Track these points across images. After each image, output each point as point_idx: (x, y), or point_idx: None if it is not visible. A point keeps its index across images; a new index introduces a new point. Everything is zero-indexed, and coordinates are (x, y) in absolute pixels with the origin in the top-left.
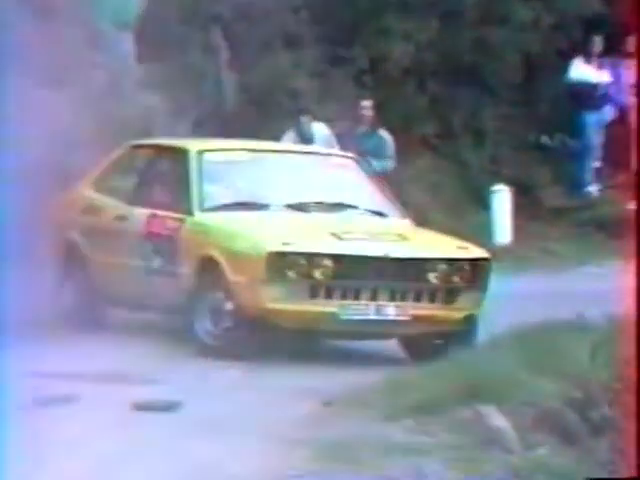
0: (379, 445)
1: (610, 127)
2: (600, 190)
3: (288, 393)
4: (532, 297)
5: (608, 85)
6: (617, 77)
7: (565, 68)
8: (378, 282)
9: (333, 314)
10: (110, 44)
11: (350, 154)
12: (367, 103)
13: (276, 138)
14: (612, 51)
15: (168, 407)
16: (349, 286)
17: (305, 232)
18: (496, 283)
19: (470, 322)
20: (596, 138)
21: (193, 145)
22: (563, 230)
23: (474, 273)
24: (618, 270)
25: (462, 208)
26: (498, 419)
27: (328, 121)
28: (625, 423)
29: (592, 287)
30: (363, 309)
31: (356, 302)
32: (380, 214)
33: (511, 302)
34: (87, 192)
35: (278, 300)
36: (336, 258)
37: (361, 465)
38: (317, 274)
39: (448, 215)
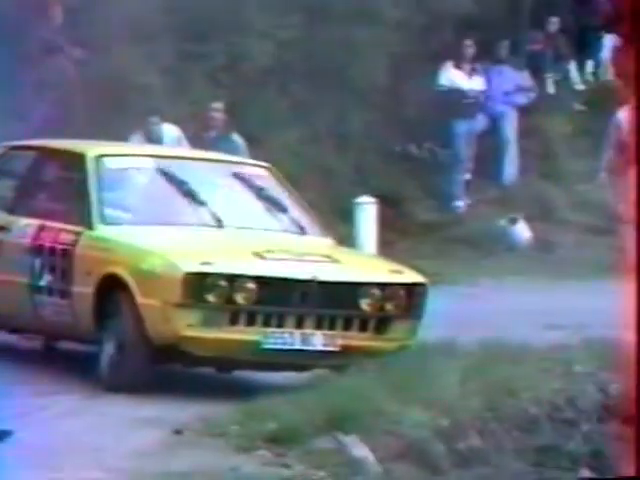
0: (230, 477)
1: (482, 137)
2: (469, 205)
3: (132, 422)
4: None
5: (480, 92)
6: (489, 84)
7: (435, 72)
8: (304, 308)
9: (255, 343)
10: None
11: (265, 163)
12: (218, 105)
13: (122, 139)
14: (485, 56)
15: None
16: (273, 312)
17: (225, 250)
18: None
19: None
20: (466, 149)
21: (89, 149)
22: (433, 247)
23: (409, 300)
24: (491, 290)
25: (325, 221)
26: (360, 449)
27: (180, 122)
28: (494, 455)
29: (464, 308)
30: (287, 338)
31: (280, 330)
32: (301, 231)
33: None
34: None
35: (195, 327)
36: (260, 281)
37: None
38: (239, 298)
39: None
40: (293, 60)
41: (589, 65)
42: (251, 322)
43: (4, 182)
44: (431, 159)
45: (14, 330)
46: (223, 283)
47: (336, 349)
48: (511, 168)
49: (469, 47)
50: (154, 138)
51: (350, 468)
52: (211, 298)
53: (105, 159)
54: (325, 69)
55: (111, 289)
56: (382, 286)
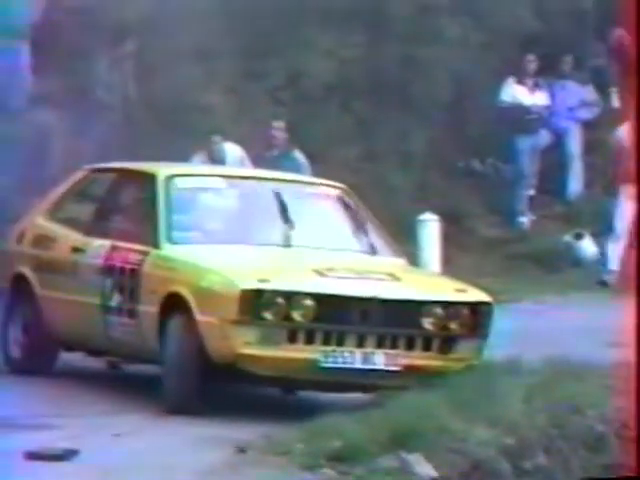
0: None
1: (546, 153)
2: (533, 221)
3: (199, 440)
4: None
5: (543, 108)
6: (553, 99)
7: (497, 88)
8: (365, 326)
9: (314, 361)
10: None
11: (340, 184)
12: (280, 124)
13: (185, 159)
14: (549, 71)
15: (63, 456)
16: (332, 330)
17: (284, 268)
18: None
19: None
20: (529, 165)
21: (160, 169)
22: (496, 263)
23: (474, 319)
24: (556, 307)
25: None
26: (424, 467)
27: (242, 141)
28: (561, 473)
29: (528, 325)
30: (348, 357)
31: (340, 348)
32: (372, 251)
33: None
34: (39, 221)
35: (252, 344)
36: (319, 298)
37: None
38: (297, 315)
39: None
40: (355, 78)
41: None
42: (310, 340)
43: (85, 205)
44: (494, 175)
45: (88, 351)
46: (280, 300)
47: (399, 368)
48: (576, 183)
49: (531, 62)
50: (217, 158)
51: None
52: (268, 315)
53: (176, 179)
54: (387, 86)
55: (173, 308)
56: (445, 305)
